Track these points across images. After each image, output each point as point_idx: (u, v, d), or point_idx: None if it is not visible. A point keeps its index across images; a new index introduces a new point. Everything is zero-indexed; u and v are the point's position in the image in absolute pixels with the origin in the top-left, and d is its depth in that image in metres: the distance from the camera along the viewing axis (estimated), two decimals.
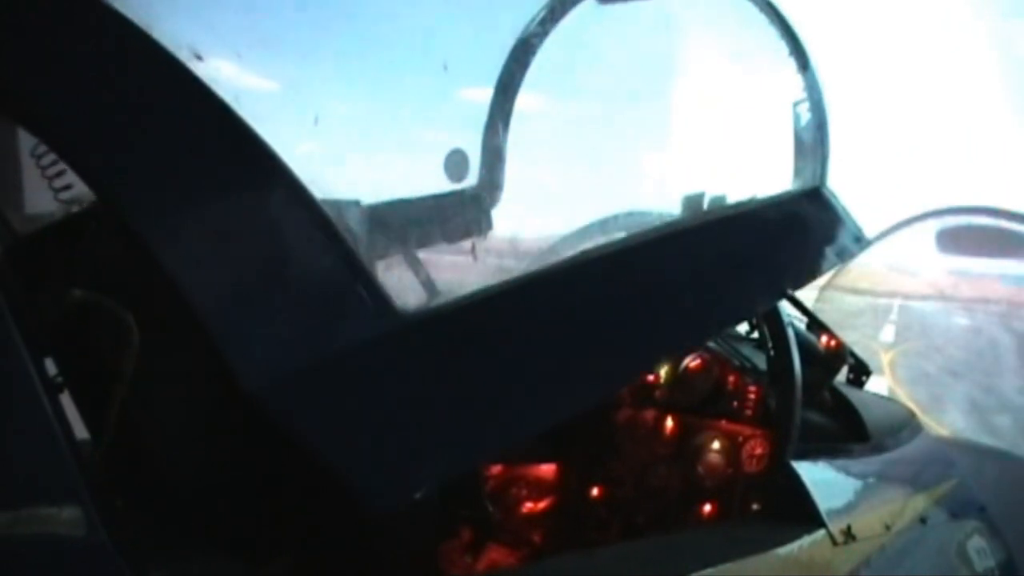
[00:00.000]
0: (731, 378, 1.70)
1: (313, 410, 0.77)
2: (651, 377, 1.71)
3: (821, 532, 1.34)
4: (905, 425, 2.10)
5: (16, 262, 0.99)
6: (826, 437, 1.69)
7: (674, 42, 1.76)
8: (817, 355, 1.90)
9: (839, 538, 1.36)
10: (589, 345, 0.99)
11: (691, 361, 1.71)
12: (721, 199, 1.44)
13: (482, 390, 0.89)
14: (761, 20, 1.65)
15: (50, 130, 0.76)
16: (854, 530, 1.39)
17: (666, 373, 1.71)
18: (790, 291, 1.24)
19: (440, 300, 0.99)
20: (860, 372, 2.39)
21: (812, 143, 1.55)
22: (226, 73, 0.85)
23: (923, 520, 1.74)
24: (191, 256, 0.74)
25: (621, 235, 1.20)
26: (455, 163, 1.50)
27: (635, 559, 1.18)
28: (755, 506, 1.54)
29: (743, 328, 1.84)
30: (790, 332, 1.58)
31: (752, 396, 1.66)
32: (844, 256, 1.36)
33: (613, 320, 1.03)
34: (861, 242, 1.41)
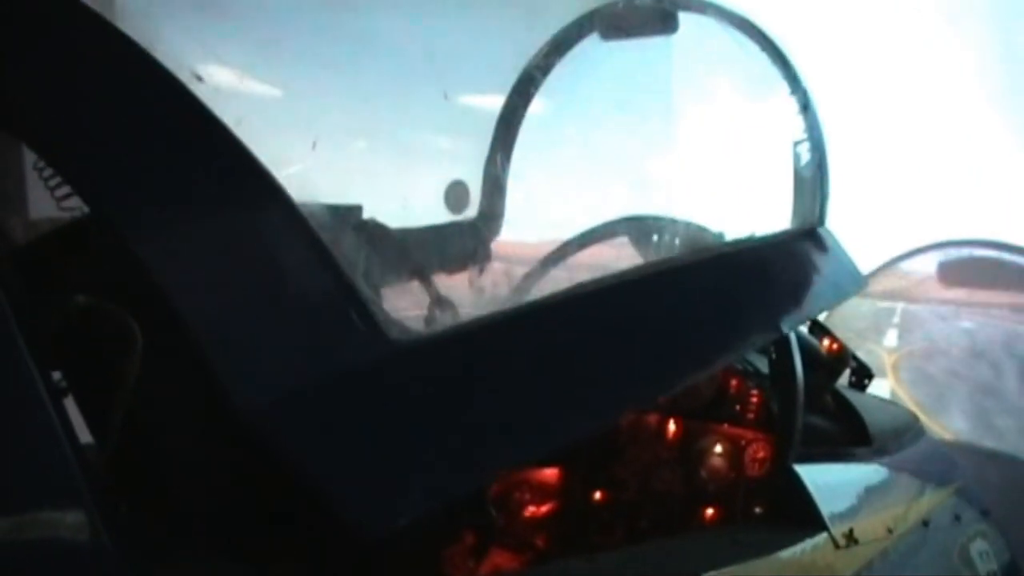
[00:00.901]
0: (734, 382, 1.70)
1: (299, 433, 0.76)
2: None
3: (823, 536, 1.34)
4: (908, 428, 2.10)
5: (20, 267, 0.99)
6: (829, 441, 1.69)
7: (675, 78, 1.77)
8: (819, 359, 1.90)
9: (841, 542, 1.36)
10: (582, 377, 0.99)
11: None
12: (720, 236, 1.45)
13: (473, 419, 0.89)
14: (763, 59, 1.67)
15: (47, 146, 0.76)
16: (856, 534, 1.39)
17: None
18: (786, 331, 1.24)
19: (435, 327, 0.99)
20: (863, 375, 2.39)
21: (811, 183, 1.56)
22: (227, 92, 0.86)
23: (926, 523, 1.73)
24: (183, 274, 0.75)
25: (622, 263, 1.21)
26: (456, 195, 1.50)
27: (638, 563, 1.18)
28: (758, 510, 1.54)
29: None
30: (792, 336, 1.58)
31: (754, 400, 1.66)
32: (841, 297, 1.38)
33: (607, 353, 1.03)
34: (858, 283, 1.42)
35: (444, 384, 0.89)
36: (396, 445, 0.82)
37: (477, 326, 0.98)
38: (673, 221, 1.83)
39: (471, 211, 1.62)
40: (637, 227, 1.76)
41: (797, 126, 1.61)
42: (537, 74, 1.71)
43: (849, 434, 1.79)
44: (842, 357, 2.06)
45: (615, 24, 1.79)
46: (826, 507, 1.37)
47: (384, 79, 1.34)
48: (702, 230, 1.80)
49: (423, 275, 1.28)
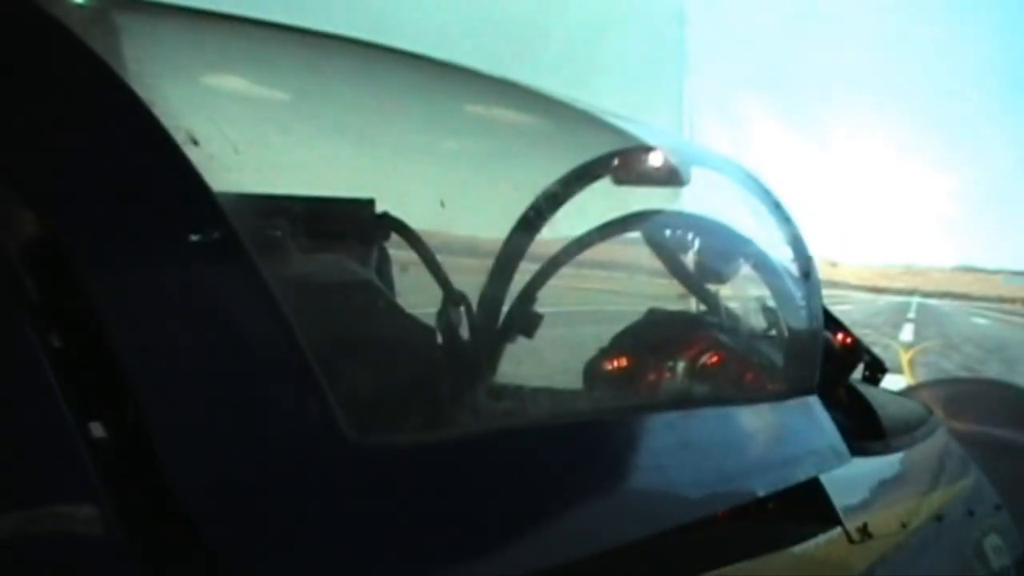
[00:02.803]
0: (749, 375, 1.69)
1: (233, 525, 0.69)
2: (668, 373, 1.71)
3: (837, 530, 1.33)
4: (922, 422, 2.09)
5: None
6: (842, 435, 1.69)
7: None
8: (832, 352, 1.89)
9: (855, 536, 1.35)
10: (551, 510, 0.92)
11: (709, 357, 1.71)
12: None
13: (426, 542, 0.80)
14: (770, 222, 1.69)
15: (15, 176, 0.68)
16: (870, 528, 1.39)
17: (684, 368, 1.71)
18: (759, 495, 1.21)
19: (407, 431, 0.90)
20: (876, 369, 2.38)
21: (806, 350, 1.54)
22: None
23: (939, 518, 1.73)
24: (134, 329, 0.67)
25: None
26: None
27: (650, 555, 1.18)
28: (770, 505, 1.54)
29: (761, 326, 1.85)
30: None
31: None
32: (821, 468, 1.35)
33: (577, 488, 0.97)
34: (841, 458, 1.40)
35: (394, 502, 0.79)
36: (325, 562, 0.72)
37: (455, 439, 0.91)
38: (685, 215, 1.84)
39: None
40: (650, 223, 1.76)
41: (797, 292, 1.59)
42: (544, 212, 1.68)
43: (863, 428, 1.78)
44: (855, 351, 2.06)
45: (626, 171, 1.79)
46: (840, 501, 1.37)
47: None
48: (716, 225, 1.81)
49: (439, 271, 1.27)
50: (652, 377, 1.53)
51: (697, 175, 1.79)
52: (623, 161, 1.77)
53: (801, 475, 1.29)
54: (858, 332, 2.14)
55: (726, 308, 1.71)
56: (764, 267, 1.70)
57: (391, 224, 1.24)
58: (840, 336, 2.04)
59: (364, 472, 0.77)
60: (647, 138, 1.81)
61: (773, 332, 1.67)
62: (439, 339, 1.20)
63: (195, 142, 0.76)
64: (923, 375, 11.47)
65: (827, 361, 1.75)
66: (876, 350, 2.41)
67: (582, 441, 1.02)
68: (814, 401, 1.45)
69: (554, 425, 1.06)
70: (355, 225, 1.21)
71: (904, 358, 14.03)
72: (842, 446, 1.42)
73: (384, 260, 1.22)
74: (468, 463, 0.88)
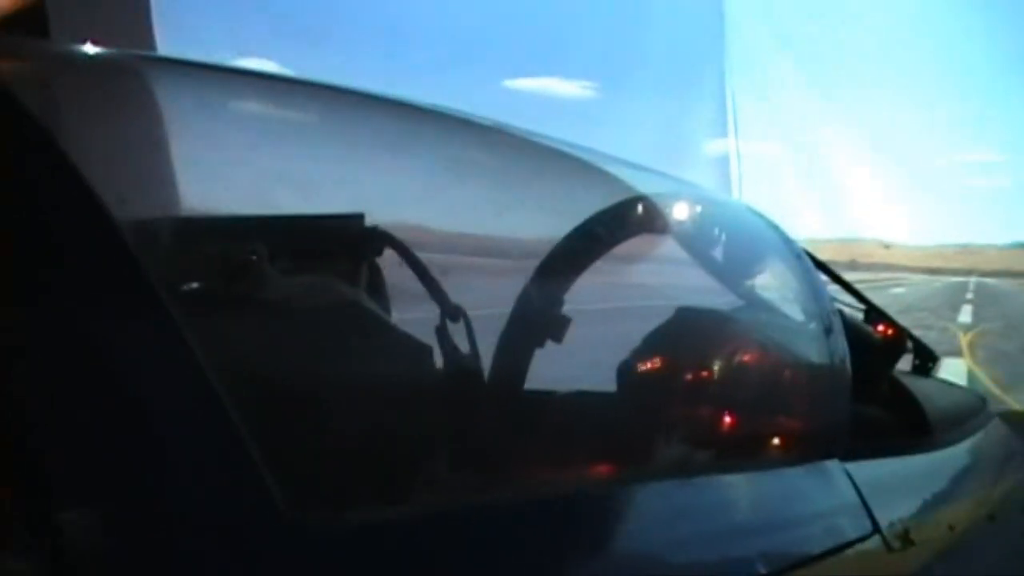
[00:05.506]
0: (787, 373, 1.61)
1: None
2: (704, 372, 1.63)
3: (875, 538, 1.24)
4: (973, 414, 1.98)
5: None
6: (883, 432, 1.60)
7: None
8: (873, 344, 1.80)
9: (895, 544, 1.26)
10: None
11: (744, 354, 1.63)
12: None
13: None
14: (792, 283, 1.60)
15: None
16: (912, 534, 1.30)
17: (719, 368, 1.63)
18: (771, 571, 1.11)
19: (363, 506, 0.78)
20: (926, 358, 2.28)
21: (829, 410, 1.43)
22: None
23: (992, 518, 1.63)
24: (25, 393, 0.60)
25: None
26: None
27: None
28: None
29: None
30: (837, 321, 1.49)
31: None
32: (840, 538, 1.23)
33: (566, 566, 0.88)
34: (862, 528, 1.27)
35: None
36: None
37: (421, 516, 0.80)
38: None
39: None
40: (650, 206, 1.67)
41: (820, 349, 1.49)
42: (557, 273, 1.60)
43: (907, 424, 1.69)
44: (898, 342, 1.97)
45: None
46: (877, 506, 1.28)
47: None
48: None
49: (433, 284, 1.19)
50: (648, 439, 1.34)
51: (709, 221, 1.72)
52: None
53: (812, 551, 1.17)
54: (915, 315, 2.05)
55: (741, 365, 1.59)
56: (781, 323, 1.60)
57: (383, 239, 1.17)
58: (881, 327, 1.94)
59: (300, 559, 0.66)
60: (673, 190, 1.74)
61: (793, 390, 1.55)
62: (429, 377, 1.06)
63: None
64: (984, 358, 11.18)
65: (867, 354, 1.67)
66: (933, 333, 2.32)
67: (568, 518, 0.90)
68: (835, 467, 1.30)
69: (536, 500, 0.94)
70: (343, 242, 1.13)
71: (963, 341, 13.70)
72: (863, 515, 1.29)
73: (377, 277, 1.15)
74: (435, 546, 0.76)
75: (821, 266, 1.92)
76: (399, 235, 1.18)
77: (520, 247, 1.73)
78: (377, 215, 1.18)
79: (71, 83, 0.94)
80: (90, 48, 0.95)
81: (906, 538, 1.29)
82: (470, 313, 1.16)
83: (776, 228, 1.65)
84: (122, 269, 0.66)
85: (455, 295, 1.16)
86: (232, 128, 1.18)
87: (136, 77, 1.06)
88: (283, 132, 1.22)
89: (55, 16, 1.55)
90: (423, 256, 1.18)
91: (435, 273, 1.17)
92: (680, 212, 1.72)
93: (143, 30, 1.87)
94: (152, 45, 1.86)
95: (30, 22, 1.51)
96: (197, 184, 1.16)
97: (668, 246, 1.79)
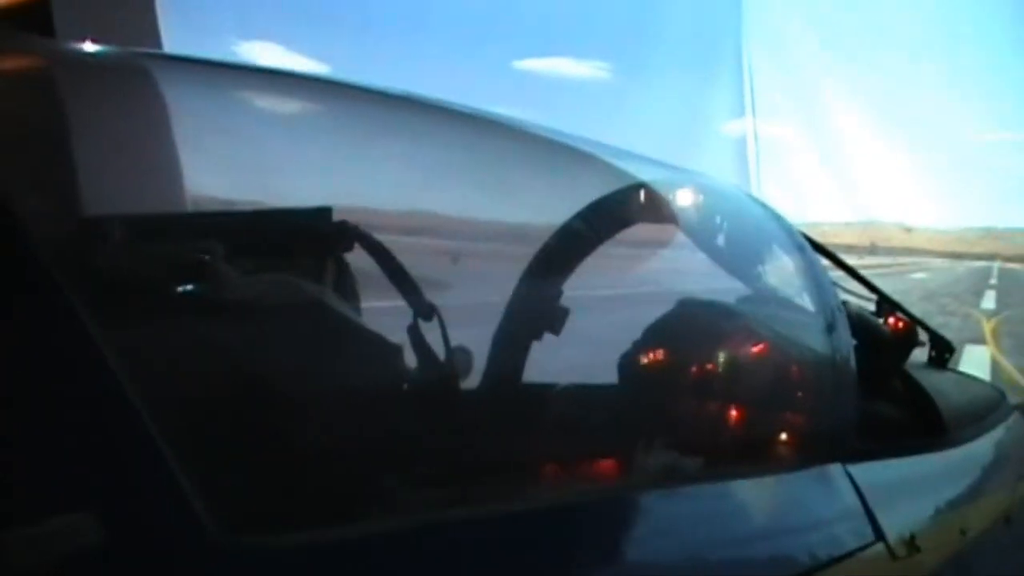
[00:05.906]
0: (785, 371, 1.54)
1: None
2: (710, 366, 1.56)
3: (878, 546, 1.17)
4: (991, 408, 1.90)
5: None
6: (894, 431, 1.52)
7: None
8: (882, 338, 1.72)
9: (900, 551, 1.19)
10: None
11: (753, 347, 1.56)
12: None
13: None
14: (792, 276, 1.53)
15: None
16: (919, 540, 1.22)
17: (725, 362, 1.56)
18: None
19: (300, 528, 0.71)
20: (943, 350, 2.19)
21: (831, 410, 1.34)
22: None
23: (1008, 520, 1.55)
24: None
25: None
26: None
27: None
28: None
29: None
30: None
31: None
32: (844, 546, 1.15)
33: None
34: (864, 535, 1.19)
35: None
36: None
37: (366, 536, 0.72)
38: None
39: None
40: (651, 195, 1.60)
41: (822, 345, 1.41)
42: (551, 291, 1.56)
43: (918, 422, 1.61)
44: (909, 334, 1.88)
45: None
46: (882, 512, 1.20)
47: None
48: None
49: (406, 282, 1.13)
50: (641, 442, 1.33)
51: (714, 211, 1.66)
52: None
53: (810, 561, 1.10)
54: (938, 301, 1.96)
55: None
56: (783, 318, 1.52)
57: (351, 234, 1.11)
58: (892, 320, 1.86)
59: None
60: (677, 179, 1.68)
61: (794, 391, 1.47)
62: (397, 380, 1.00)
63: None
64: (1008, 346, 11.00)
65: (876, 349, 1.59)
66: (956, 320, 2.24)
67: (553, 529, 0.85)
68: (837, 471, 1.23)
69: (519, 512, 0.87)
70: (309, 238, 1.07)
71: (987, 328, 13.50)
72: (864, 521, 1.21)
73: (344, 274, 1.09)
74: (395, 567, 0.70)
75: (830, 255, 1.84)
76: (405, 223, 1.17)
77: (517, 234, 1.69)
78: (380, 205, 1.18)
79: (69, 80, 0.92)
80: (88, 46, 0.94)
81: (912, 545, 1.21)
82: (470, 301, 1.12)
83: (777, 217, 1.57)
84: (30, 274, 0.60)
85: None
86: (234, 123, 1.16)
87: (135, 75, 1.03)
88: (285, 126, 1.21)
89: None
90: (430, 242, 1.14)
91: (410, 269, 1.11)
92: (679, 200, 1.65)
93: (148, 12, 1.83)
94: (156, 29, 1.83)
95: (34, 7, 1.50)
96: (200, 178, 1.16)
97: (667, 234, 1.73)
